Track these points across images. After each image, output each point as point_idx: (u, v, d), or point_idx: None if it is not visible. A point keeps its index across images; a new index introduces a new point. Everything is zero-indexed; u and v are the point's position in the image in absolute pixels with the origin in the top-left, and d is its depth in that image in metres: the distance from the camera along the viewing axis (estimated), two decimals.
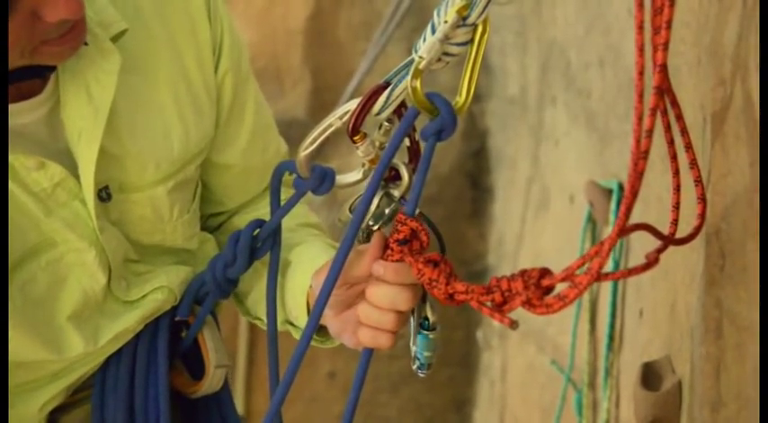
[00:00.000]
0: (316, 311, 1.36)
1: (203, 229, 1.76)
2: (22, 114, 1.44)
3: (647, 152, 1.13)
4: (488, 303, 1.26)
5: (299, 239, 1.64)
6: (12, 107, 1.42)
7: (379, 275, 1.35)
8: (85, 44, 1.43)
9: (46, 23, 1.28)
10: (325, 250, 1.58)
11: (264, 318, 1.63)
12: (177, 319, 1.65)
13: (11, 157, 1.41)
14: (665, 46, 1.13)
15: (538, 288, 1.21)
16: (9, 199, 1.43)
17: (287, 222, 1.62)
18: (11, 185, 1.42)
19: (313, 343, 1.56)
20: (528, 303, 1.21)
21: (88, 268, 1.51)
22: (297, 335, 1.59)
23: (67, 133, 1.47)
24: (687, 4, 1.47)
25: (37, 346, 1.50)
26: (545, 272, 1.22)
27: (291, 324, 1.61)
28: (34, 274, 1.47)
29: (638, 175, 1.14)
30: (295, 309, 1.56)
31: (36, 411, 1.59)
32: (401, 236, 1.33)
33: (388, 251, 1.35)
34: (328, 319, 1.46)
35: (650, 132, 1.13)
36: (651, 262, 1.25)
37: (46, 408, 1.60)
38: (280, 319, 1.62)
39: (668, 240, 1.25)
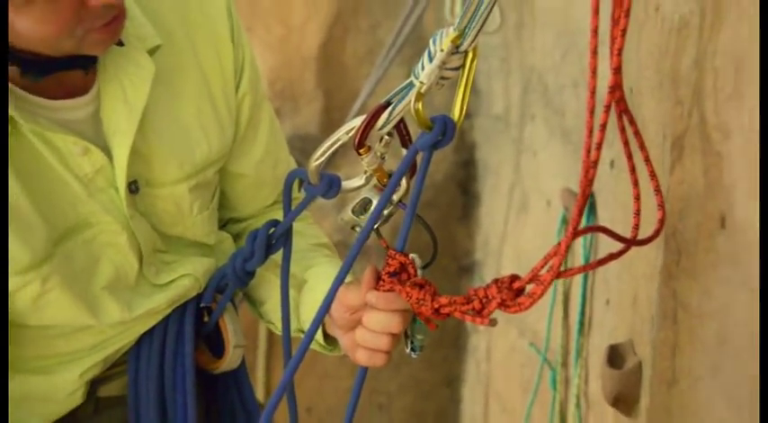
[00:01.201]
0: (318, 318, 1.38)
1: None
2: (69, 111, 1.44)
3: (596, 162, 1.13)
4: (470, 311, 1.27)
5: (314, 261, 1.64)
6: (61, 103, 1.43)
7: (372, 304, 1.36)
8: (122, 45, 1.43)
9: (91, 8, 1.28)
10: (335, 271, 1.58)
11: (277, 323, 1.64)
12: (202, 305, 1.66)
13: (61, 140, 1.42)
14: (617, 70, 1.13)
15: (510, 291, 1.22)
16: (56, 181, 1.43)
17: (302, 243, 1.64)
18: (59, 168, 1.43)
19: (323, 351, 1.58)
20: (503, 305, 1.22)
21: (121, 249, 1.52)
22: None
23: (105, 129, 1.47)
24: (650, 36, 1.47)
25: (78, 311, 1.50)
26: (514, 277, 1.23)
27: (303, 332, 1.61)
28: (72, 250, 1.47)
29: (588, 181, 1.14)
30: (308, 321, 1.56)
31: (76, 378, 1.60)
32: (392, 269, 1.35)
33: (381, 282, 1.36)
34: (339, 335, 1.48)
35: (600, 145, 1.13)
36: (605, 260, 1.25)
37: (85, 375, 1.60)
38: (293, 326, 1.62)
39: (630, 243, 1.25)
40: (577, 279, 2.16)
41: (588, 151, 1.13)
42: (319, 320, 1.38)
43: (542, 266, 1.19)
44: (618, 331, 1.79)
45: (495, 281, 1.23)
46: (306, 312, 1.59)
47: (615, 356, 1.71)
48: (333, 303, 1.41)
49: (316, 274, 1.61)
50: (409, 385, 3.67)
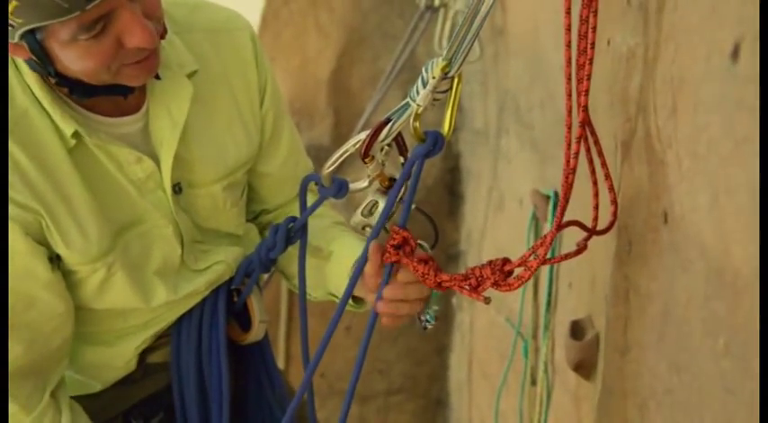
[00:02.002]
0: (348, 288, 1.38)
1: (256, 222, 1.77)
2: (125, 126, 1.45)
3: (574, 169, 1.13)
4: (467, 287, 1.26)
5: (336, 235, 1.64)
6: (117, 120, 1.44)
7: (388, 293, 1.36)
8: (158, 78, 1.43)
9: (126, 49, 1.28)
10: (357, 243, 1.58)
11: (311, 291, 1.64)
12: (233, 287, 1.65)
13: (118, 152, 1.42)
14: (587, 92, 1.13)
15: (502, 272, 1.21)
16: (114, 184, 1.43)
17: (322, 222, 1.64)
18: (117, 174, 1.43)
19: (351, 309, 1.58)
20: (495, 284, 1.21)
21: (168, 240, 1.52)
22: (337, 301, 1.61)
23: (153, 141, 1.47)
24: (603, 65, 1.47)
25: (133, 294, 1.51)
26: (506, 260, 1.22)
27: (333, 295, 1.61)
28: (129, 241, 1.48)
29: (568, 185, 1.13)
30: (339, 284, 1.56)
31: (132, 350, 1.61)
32: (395, 242, 1.33)
33: (387, 254, 1.34)
34: (365, 295, 1.47)
35: (577, 155, 1.13)
36: (582, 248, 1.25)
37: (139, 348, 1.62)
38: (323, 291, 1.62)
39: (592, 232, 1.25)
40: (545, 266, 2.16)
41: (568, 161, 1.13)
42: (350, 290, 1.38)
43: (530, 255, 1.18)
44: (579, 309, 1.79)
45: (490, 262, 1.22)
46: (336, 278, 1.58)
47: (577, 330, 1.71)
48: (366, 276, 1.39)
49: (340, 245, 1.60)
50: (405, 354, 3.66)
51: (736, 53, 0.92)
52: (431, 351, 3.70)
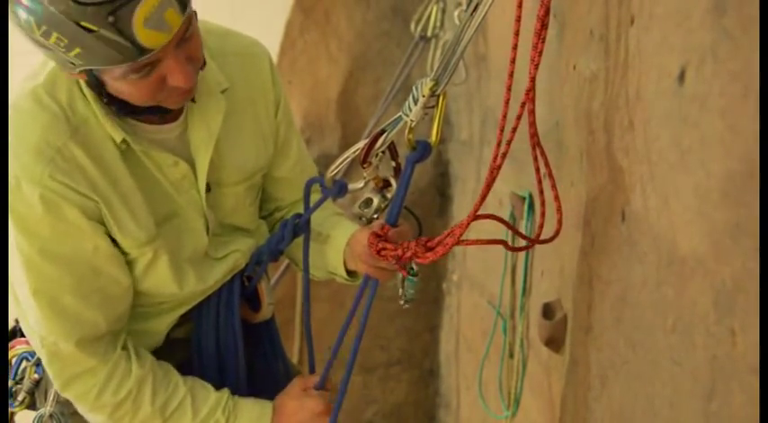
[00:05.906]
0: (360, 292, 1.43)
1: (270, 218, 1.78)
2: (166, 132, 1.46)
3: (499, 167, 1.13)
4: (395, 257, 1.28)
5: (334, 222, 1.66)
6: (158, 128, 1.45)
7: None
8: (193, 101, 1.45)
9: (168, 86, 1.30)
10: (352, 227, 1.60)
11: (315, 272, 1.65)
12: (245, 274, 1.66)
13: (159, 156, 1.43)
14: (532, 112, 1.13)
15: (423, 247, 1.23)
16: (156, 183, 1.45)
17: (324, 213, 1.66)
18: (158, 175, 1.44)
19: (347, 282, 1.60)
20: (415, 255, 1.24)
21: (198, 232, 1.53)
22: (337, 278, 1.63)
23: (191, 147, 1.48)
24: (570, 86, 1.47)
25: (170, 280, 1.52)
26: (429, 238, 1.24)
27: (332, 273, 1.63)
28: (167, 231, 1.48)
29: (492, 179, 1.14)
30: (336, 262, 1.59)
31: (164, 326, 1.62)
32: (379, 230, 1.34)
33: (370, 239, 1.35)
34: (359, 266, 1.50)
35: (504, 156, 1.14)
36: (518, 248, 1.26)
37: (169, 326, 1.62)
38: (323, 270, 1.64)
39: (534, 241, 1.26)
40: (521, 256, 2.15)
41: (495, 158, 1.14)
42: (361, 291, 1.40)
43: (447, 235, 1.20)
44: (550, 293, 1.79)
45: (417, 239, 1.24)
46: (332, 256, 1.60)
47: (548, 311, 1.70)
48: (358, 246, 1.46)
49: (337, 230, 1.62)
50: (402, 331, 3.65)
51: (682, 76, 0.92)
52: (424, 329, 3.69)
